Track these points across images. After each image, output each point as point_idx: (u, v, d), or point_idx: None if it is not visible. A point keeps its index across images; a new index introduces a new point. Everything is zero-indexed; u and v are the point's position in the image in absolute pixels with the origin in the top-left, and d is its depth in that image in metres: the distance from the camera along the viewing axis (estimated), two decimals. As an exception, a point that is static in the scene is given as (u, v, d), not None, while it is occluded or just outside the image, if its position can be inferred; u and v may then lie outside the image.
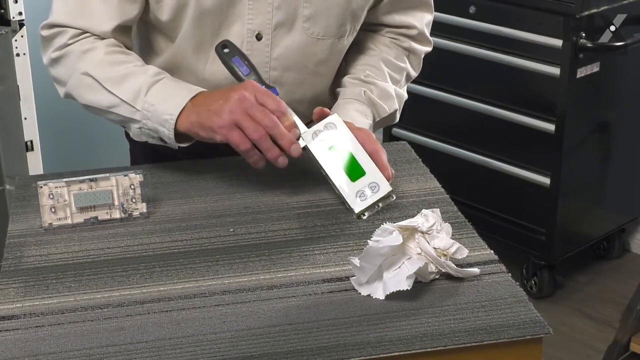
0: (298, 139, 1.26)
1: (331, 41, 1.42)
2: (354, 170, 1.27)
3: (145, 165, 1.41)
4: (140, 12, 1.38)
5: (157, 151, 1.44)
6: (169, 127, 1.30)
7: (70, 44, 1.37)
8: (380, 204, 1.27)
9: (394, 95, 1.47)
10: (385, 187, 1.26)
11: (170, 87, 1.33)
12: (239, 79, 1.32)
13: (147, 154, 1.51)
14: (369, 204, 1.25)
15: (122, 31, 1.39)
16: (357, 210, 1.25)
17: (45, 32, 1.40)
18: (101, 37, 1.38)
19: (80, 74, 1.36)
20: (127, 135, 1.57)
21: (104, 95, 1.35)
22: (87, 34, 1.37)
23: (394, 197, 1.28)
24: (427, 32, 1.54)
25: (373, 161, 1.27)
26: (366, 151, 1.28)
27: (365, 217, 1.26)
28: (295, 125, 1.26)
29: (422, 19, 1.52)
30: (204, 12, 1.35)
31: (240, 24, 1.37)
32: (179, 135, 1.31)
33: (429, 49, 1.56)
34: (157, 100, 1.31)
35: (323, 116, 1.30)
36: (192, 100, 1.29)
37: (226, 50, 1.33)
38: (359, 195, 1.26)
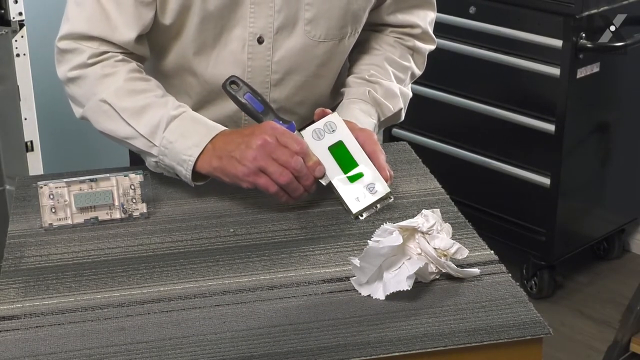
0: (322, 176, 1.26)
1: (332, 43, 1.42)
2: (351, 171, 1.27)
3: (143, 165, 1.41)
4: (154, 17, 1.36)
5: None
6: (187, 168, 1.28)
7: (90, 64, 1.34)
8: (379, 205, 1.26)
9: (398, 94, 1.47)
10: (383, 189, 1.26)
11: (189, 124, 1.31)
12: (253, 116, 1.30)
13: None
14: (367, 205, 1.25)
15: (140, 40, 1.37)
16: (354, 211, 1.25)
17: (62, 44, 1.36)
18: (121, 53, 1.36)
19: (99, 100, 1.33)
20: None
21: (121, 126, 1.33)
22: (108, 54, 1.34)
23: (392, 199, 1.28)
24: (431, 31, 1.54)
25: (373, 162, 1.27)
26: (365, 152, 1.28)
27: (362, 218, 1.26)
28: (319, 163, 1.26)
29: (426, 17, 1.52)
30: (206, 16, 1.34)
31: (242, 28, 1.37)
32: (196, 173, 1.29)
33: (432, 47, 1.56)
34: (175, 137, 1.29)
35: (324, 116, 1.30)
36: (212, 141, 1.28)
37: (234, 87, 1.31)
38: (356, 197, 1.26)
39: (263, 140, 1.23)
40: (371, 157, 1.28)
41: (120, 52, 1.36)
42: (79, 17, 1.35)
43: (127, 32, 1.34)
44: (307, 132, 1.28)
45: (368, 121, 1.40)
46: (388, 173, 1.28)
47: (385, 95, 1.45)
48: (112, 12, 1.33)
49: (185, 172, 1.29)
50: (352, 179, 1.26)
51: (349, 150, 1.28)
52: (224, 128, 1.31)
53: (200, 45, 1.38)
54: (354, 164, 1.27)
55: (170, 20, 1.35)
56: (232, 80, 1.32)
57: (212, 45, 1.38)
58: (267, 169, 1.22)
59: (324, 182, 1.26)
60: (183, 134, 1.29)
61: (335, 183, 1.27)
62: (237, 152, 1.24)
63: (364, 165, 1.27)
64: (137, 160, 1.46)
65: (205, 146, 1.28)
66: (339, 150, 1.27)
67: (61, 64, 1.38)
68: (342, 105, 1.43)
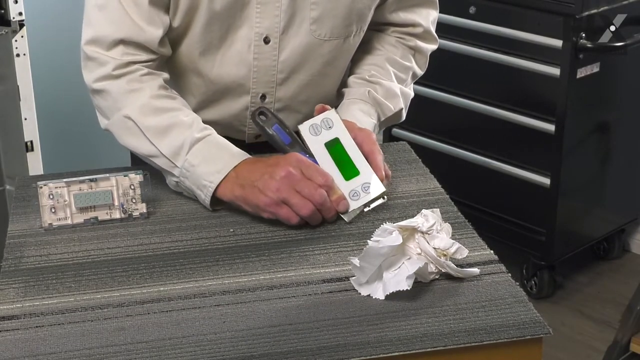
0: (346, 211, 1.25)
1: (338, 42, 1.42)
2: (348, 170, 1.27)
3: (145, 165, 1.41)
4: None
5: None
6: (207, 194, 1.28)
7: (115, 76, 1.33)
8: (371, 205, 1.26)
9: (399, 94, 1.47)
10: (378, 188, 1.26)
11: (213, 148, 1.30)
12: (280, 148, 1.30)
13: None
14: (361, 205, 1.26)
15: (163, 41, 1.36)
16: (346, 211, 1.25)
17: (89, 50, 1.35)
18: (145, 60, 1.34)
19: (123, 115, 1.33)
20: None
21: (144, 144, 1.33)
22: (134, 66, 1.34)
23: (386, 199, 1.28)
24: (433, 30, 1.53)
25: (368, 161, 1.28)
26: (363, 151, 1.28)
27: (351, 219, 1.25)
28: (343, 198, 1.25)
29: (428, 16, 1.52)
30: (213, 16, 1.34)
31: (248, 28, 1.37)
32: (215, 198, 1.29)
33: (434, 46, 1.55)
34: (198, 161, 1.28)
35: (323, 112, 1.31)
36: (235, 169, 1.27)
37: (262, 118, 1.31)
38: (351, 195, 1.26)
39: (287, 171, 1.22)
40: (368, 156, 1.28)
41: (144, 63, 1.35)
42: (103, 20, 1.34)
43: (153, 31, 1.34)
44: (304, 127, 1.29)
45: (368, 121, 1.40)
46: (384, 173, 1.28)
47: (386, 95, 1.45)
48: (134, 14, 1.32)
49: (205, 197, 1.28)
50: (348, 177, 1.27)
51: (345, 148, 1.28)
52: (247, 156, 1.30)
53: (206, 45, 1.38)
54: (349, 162, 1.27)
55: (179, 21, 1.36)
56: (261, 111, 1.32)
57: (218, 45, 1.38)
58: (289, 200, 1.22)
59: (346, 218, 1.25)
60: (206, 159, 1.28)
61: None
62: (260, 182, 1.23)
63: (360, 164, 1.27)
64: (138, 161, 1.46)
65: (228, 173, 1.27)
66: (335, 148, 1.28)
67: (86, 71, 1.37)
68: (342, 105, 1.44)
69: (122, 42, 1.33)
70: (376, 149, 1.29)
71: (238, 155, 1.30)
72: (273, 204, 1.22)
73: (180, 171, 1.30)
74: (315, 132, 1.28)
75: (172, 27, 1.36)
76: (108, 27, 1.33)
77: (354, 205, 1.26)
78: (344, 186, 1.26)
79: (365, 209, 1.27)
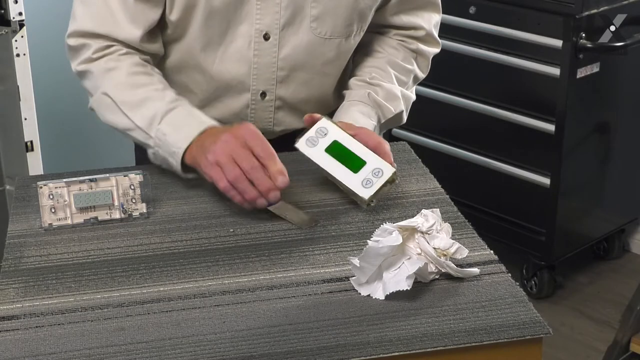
0: (284, 186, 1.23)
1: (338, 41, 1.42)
2: (354, 163, 1.28)
3: (145, 165, 1.41)
4: (161, 14, 1.38)
5: None
6: (177, 160, 1.31)
7: (95, 58, 1.38)
8: (387, 189, 1.27)
9: (399, 96, 1.47)
10: (388, 170, 1.27)
11: (182, 117, 1.33)
12: None
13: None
14: (377, 189, 1.26)
15: (148, 38, 1.39)
16: (365, 197, 1.26)
17: (71, 42, 1.41)
18: (126, 47, 1.38)
19: (101, 93, 1.38)
20: None
21: (120, 118, 1.36)
22: (113, 47, 1.38)
23: (398, 180, 1.29)
24: (435, 33, 1.53)
25: (377, 152, 1.29)
26: (370, 145, 1.29)
27: (373, 204, 1.26)
28: (282, 173, 1.23)
29: (430, 20, 1.51)
30: (212, 12, 1.36)
31: (248, 24, 1.37)
32: (186, 166, 1.31)
33: (437, 50, 1.55)
34: (169, 130, 1.32)
35: (313, 122, 1.31)
36: (200, 135, 1.30)
37: None
38: (364, 184, 1.26)
39: (229, 137, 1.24)
40: (377, 148, 1.29)
41: (125, 47, 1.39)
42: (85, 15, 1.38)
43: (131, 30, 1.37)
44: (301, 143, 1.29)
45: (367, 122, 1.40)
46: (392, 159, 1.29)
47: (386, 97, 1.45)
48: (117, 10, 1.36)
49: (176, 164, 1.31)
50: (356, 170, 1.27)
51: (345, 146, 1.28)
52: (216, 124, 1.32)
53: (207, 41, 1.39)
54: (353, 155, 1.28)
55: (177, 16, 1.37)
56: None
57: (218, 41, 1.39)
58: (220, 162, 1.23)
59: (272, 208, 1.24)
60: (176, 127, 1.32)
61: (340, 179, 1.28)
62: (207, 143, 1.26)
63: (364, 154, 1.28)
64: (142, 160, 1.47)
65: (194, 138, 1.29)
66: (335, 149, 1.28)
67: (72, 59, 1.42)
68: (342, 107, 1.44)
69: (102, 37, 1.38)
70: (382, 140, 1.31)
71: (204, 122, 1.32)
72: (208, 164, 1.25)
73: (154, 141, 1.33)
74: (313, 144, 1.29)
75: (170, 22, 1.38)
76: (89, 22, 1.38)
77: (370, 191, 1.26)
78: (354, 179, 1.26)
79: (384, 193, 1.27)
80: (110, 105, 1.37)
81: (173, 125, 1.32)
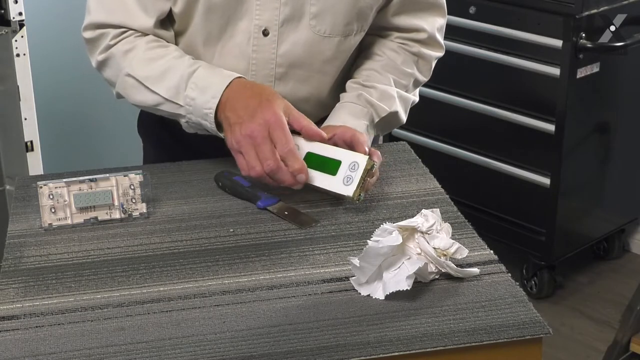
0: (303, 182, 1.27)
1: (338, 39, 1.42)
2: (330, 166, 1.28)
3: (144, 165, 1.41)
4: (170, 5, 1.40)
5: (167, 149, 1.45)
6: (210, 121, 1.33)
7: (113, 44, 1.40)
8: (369, 179, 1.27)
9: (395, 96, 1.46)
10: (363, 160, 1.27)
11: (205, 77, 1.35)
12: (244, 195, 1.32)
13: (159, 153, 1.54)
14: (357, 182, 1.26)
15: (161, 25, 1.42)
16: (350, 194, 1.26)
17: (87, 35, 1.43)
18: (142, 34, 1.41)
19: (124, 75, 1.40)
20: (139, 131, 1.59)
21: (148, 95, 1.38)
22: (128, 32, 1.40)
23: (376, 166, 1.29)
24: (439, 37, 1.51)
25: (353, 144, 1.29)
26: (346, 139, 1.30)
27: (362, 197, 1.26)
28: (302, 170, 1.26)
29: (433, 23, 1.50)
30: (212, 6, 1.37)
31: (248, 20, 1.38)
32: (220, 125, 1.33)
33: (439, 54, 1.53)
34: (195, 94, 1.34)
35: None
36: (225, 92, 1.32)
37: (223, 182, 1.36)
38: (345, 182, 1.26)
39: (252, 130, 1.26)
40: (352, 140, 1.30)
41: (140, 32, 1.41)
42: (98, 7, 1.41)
43: (145, 19, 1.40)
44: None
45: (356, 123, 1.39)
46: (367, 149, 1.29)
47: (380, 97, 1.44)
48: (129, 1, 1.39)
49: (210, 126, 1.33)
50: (334, 172, 1.28)
51: (317, 153, 1.30)
52: (235, 75, 1.34)
53: (207, 35, 1.40)
54: (328, 160, 1.29)
55: (180, 8, 1.40)
56: (219, 179, 1.36)
57: (219, 36, 1.40)
58: (244, 153, 1.27)
59: (272, 208, 1.28)
60: (201, 89, 1.34)
61: (324, 185, 1.28)
62: (233, 124, 1.29)
63: (338, 154, 1.29)
64: (150, 159, 1.47)
65: (221, 97, 1.31)
66: (311, 160, 1.29)
67: (91, 53, 1.44)
68: (334, 110, 1.44)
69: (117, 26, 1.40)
70: (357, 132, 1.32)
71: (229, 75, 1.34)
72: (234, 149, 1.29)
73: (185, 109, 1.35)
74: None
75: (175, 13, 1.41)
76: (103, 14, 1.41)
77: (352, 188, 1.26)
78: (335, 181, 1.27)
79: (366, 186, 1.27)
80: (135, 84, 1.39)
81: (198, 88, 1.34)
